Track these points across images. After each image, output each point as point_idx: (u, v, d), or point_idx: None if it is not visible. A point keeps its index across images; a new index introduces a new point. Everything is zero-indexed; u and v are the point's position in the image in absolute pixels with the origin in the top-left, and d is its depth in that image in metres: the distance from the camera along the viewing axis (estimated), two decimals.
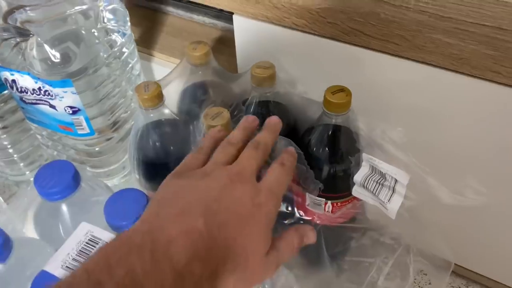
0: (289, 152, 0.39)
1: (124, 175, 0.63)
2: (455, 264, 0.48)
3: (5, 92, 0.61)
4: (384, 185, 0.44)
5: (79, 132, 0.54)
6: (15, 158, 0.68)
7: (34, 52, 0.48)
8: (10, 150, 0.67)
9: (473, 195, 0.39)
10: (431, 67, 0.42)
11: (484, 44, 0.38)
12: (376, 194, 0.44)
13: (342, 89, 0.43)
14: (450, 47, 0.40)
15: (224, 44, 0.66)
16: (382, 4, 0.41)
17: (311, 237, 0.37)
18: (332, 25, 0.45)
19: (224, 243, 0.29)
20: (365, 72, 0.47)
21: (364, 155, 0.45)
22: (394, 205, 0.43)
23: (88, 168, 0.60)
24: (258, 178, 0.35)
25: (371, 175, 0.45)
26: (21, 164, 0.70)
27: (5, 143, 0.66)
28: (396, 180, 0.43)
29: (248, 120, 0.40)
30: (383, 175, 0.44)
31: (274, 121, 0.40)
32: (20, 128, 0.66)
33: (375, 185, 0.44)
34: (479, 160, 0.44)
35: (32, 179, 0.71)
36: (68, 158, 0.62)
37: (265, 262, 0.32)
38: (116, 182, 0.62)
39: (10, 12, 0.50)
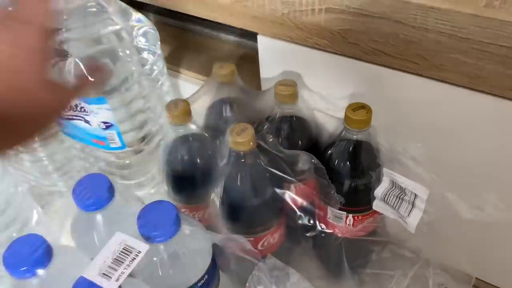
0: None
1: (152, 186, 0.66)
2: (476, 278, 0.48)
3: None
4: (404, 200, 0.45)
5: (111, 145, 0.57)
6: (50, 170, 0.72)
7: (72, 72, 0.52)
8: (46, 162, 0.71)
9: (493, 210, 0.40)
10: (450, 85, 0.44)
11: (502, 64, 0.39)
12: (396, 208, 0.45)
13: (363, 106, 0.45)
14: (468, 66, 0.41)
15: (248, 62, 0.68)
16: (402, 26, 0.42)
17: None
18: (353, 45, 0.47)
19: None
20: (386, 90, 0.48)
21: (385, 170, 0.46)
22: (413, 219, 0.44)
23: (118, 180, 0.63)
24: None
25: (391, 190, 0.46)
26: (55, 175, 0.73)
27: (42, 155, 0.70)
28: (415, 195, 0.45)
29: None
30: (403, 190, 0.45)
31: None
32: (56, 141, 0.70)
33: (395, 200, 0.45)
34: (498, 176, 0.45)
35: (64, 189, 0.75)
36: (99, 170, 0.65)
37: (44, 90, 0.31)
38: (145, 193, 0.65)
39: None
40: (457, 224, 0.43)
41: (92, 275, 0.35)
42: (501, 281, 0.56)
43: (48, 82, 0.32)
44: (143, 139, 0.61)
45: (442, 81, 0.44)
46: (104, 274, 0.35)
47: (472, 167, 0.46)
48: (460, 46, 0.40)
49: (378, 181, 0.47)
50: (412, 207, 0.44)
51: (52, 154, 0.70)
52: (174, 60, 0.71)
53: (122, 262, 0.36)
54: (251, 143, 0.44)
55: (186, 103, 0.48)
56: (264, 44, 0.54)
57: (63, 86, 0.34)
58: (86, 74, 0.37)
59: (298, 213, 0.50)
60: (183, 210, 0.54)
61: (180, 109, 0.47)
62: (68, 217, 0.46)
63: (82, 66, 0.51)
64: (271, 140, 0.47)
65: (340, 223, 0.50)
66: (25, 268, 0.37)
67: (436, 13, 0.40)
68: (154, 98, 0.62)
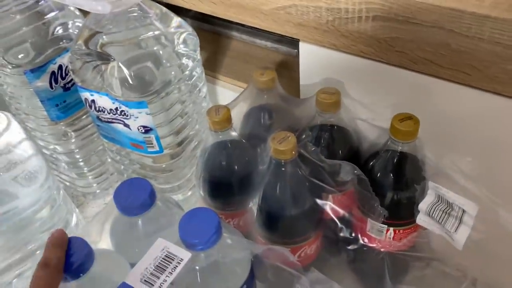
0: (53, 243, 0.37)
1: (185, 192, 0.66)
2: None
3: (82, 109, 0.66)
4: (451, 215, 0.43)
5: (149, 149, 0.57)
6: (85, 171, 0.73)
7: (115, 74, 0.52)
8: (81, 163, 0.72)
9: None
10: (504, 98, 0.42)
11: None
12: (442, 223, 0.43)
13: (410, 117, 0.44)
14: None
15: (285, 68, 0.68)
16: (454, 35, 0.41)
17: None
18: (401, 53, 0.45)
19: None
20: (433, 101, 0.46)
21: (431, 184, 0.44)
22: (461, 236, 0.42)
23: (154, 184, 0.63)
24: None
25: (437, 204, 0.44)
26: (90, 177, 0.74)
27: (77, 156, 0.71)
28: (463, 211, 0.43)
29: (54, 236, 0.38)
30: (450, 205, 0.44)
31: (55, 235, 0.38)
32: (91, 144, 0.71)
33: (441, 214, 0.44)
34: None
35: (98, 191, 0.76)
36: (133, 173, 0.65)
37: None
38: (180, 198, 0.65)
39: (92, 37, 0.54)
40: (509, 242, 0.41)
41: (134, 281, 0.35)
42: None
43: None
44: (180, 143, 0.61)
45: (495, 93, 0.42)
46: (146, 281, 0.35)
47: None
48: None
49: (423, 194, 0.45)
50: (460, 223, 0.43)
51: (88, 156, 0.71)
52: (211, 66, 0.71)
53: (164, 270, 0.36)
54: (293, 152, 0.44)
55: (227, 109, 0.48)
56: (306, 51, 0.53)
57: None
58: None
59: (339, 224, 0.49)
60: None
61: (222, 115, 0.47)
62: (106, 221, 0.46)
63: (124, 70, 0.52)
64: (313, 149, 0.46)
65: (380, 236, 0.49)
66: (66, 271, 0.37)
67: (493, 22, 0.38)
68: (192, 104, 0.61)
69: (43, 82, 0.60)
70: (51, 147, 0.70)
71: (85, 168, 0.73)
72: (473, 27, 0.40)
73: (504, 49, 0.39)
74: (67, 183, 0.77)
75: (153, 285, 0.35)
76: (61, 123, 0.66)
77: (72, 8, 0.63)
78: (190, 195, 0.66)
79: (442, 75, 0.44)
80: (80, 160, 0.71)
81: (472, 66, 0.42)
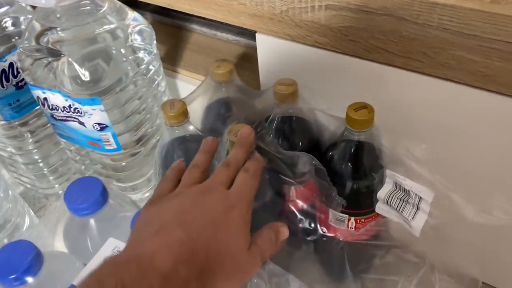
0: (254, 159, 0.41)
1: (149, 189, 0.65)
2: (483, 282, 0.47)
3: (37, 108, 0.64)
4: (408, 202, 0.44)
5: (106, 147, 0.56)
6: (45, 172, 0.71)
7: (65, 71, 0.50)
8: (41, 164, 0.70)
9: (501, 214, 0.38)
10: (455, 84, 0.42)
11: (510, 62, 0.38)
12: (400, 211, 0.44)
13: (365, 106, 0.44)
14: (474, 64, 0.40)
15: (247, 61, 0.67)
16: (405, 22, 0.41)
17: (284, 232, 0.40)
18: (354, 42, 0.45)
19: (205, 245, 0.32)
20: (388, 89, 0.47)
21: (388, 172, 0.45)
22: (418, 222, 0.42)
23: (114, 183, 0.62)
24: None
25: (394, 192, 0.44)
26: (51, 178, 0.72)
27: (36, 157, 0.68)
28: (420, 198, 0.43)
29: (207, 142, 0.43)
30: (407, 192, 0.44)
31: (245, 133, 0.42)
32: (50, 143, 0.68)
33: (399, 202, 0.44)
34: (507, 178, 0.43)
35: (60, 192, 0.74)
36: (94, 173, 0.63)
37: (248, 256, 0.35)
38: (141, 196, 0.64)
39: (42, 33, 0.52)
40: (464, 227, 0.41)
41: None
42: (509, 285, 0.54)
43: (250, 250, 0.36)
44: (139, 140, 0.59)
45: (447, 79, 0.42)
46: None
47: (479, 168, 0.44)
48: (466, 43, 0.39)
49: (381, 183, 0.45)
50: (417, 210, 0.43)
51: (47, 157, 0.69)
52: (171, 60, 0.69)
53: None
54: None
55: (182, 103, 0.47)
56: (263, 42, 0.53)
57: (262, 249, 0.37)
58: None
59: (299, 216, 0.48)
60: None
61: (177, 109, 0.46)
62: (61, 222, 0.45)
63: (75, 66, 0.50)
64: (270, 140, 0.45)
65: (342, 226, 0.49)
66: (14, 276, 0.35)
67: (441, 9, 0.38)
68: (150, 99, 0.60)
69: None
70: (8, 149, 0.68)
71: (45, 169, 0.71)
72: (422, 14, 0.40)
73: (452, 35, 0.39)
74: (28, 185, 0.75)
75: None
76: (16, 123, 0.63)
77: (23, 4, 0.61)
78: (151, 193, 0.65)
79: (395, 63, 0.44)
80: (39, 160, 0.69)
81: (423, 53, 0.42)
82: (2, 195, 0.49)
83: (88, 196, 0.40)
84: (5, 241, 0.47)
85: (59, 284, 0.37)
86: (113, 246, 0.36)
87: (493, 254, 0.50)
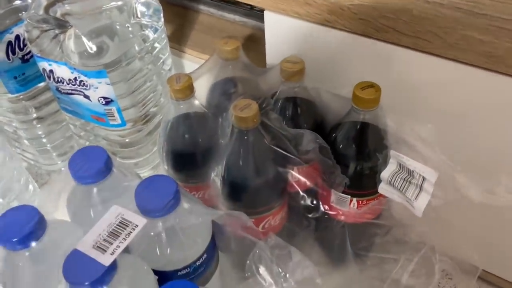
0: None
1: (152, 167, 0.65)
2: (482, 269, 0.47)
3: (41, 84, 0.64)
4: (412, 183, 0.44)
5: (111, 122, 0.56)
6: (48, 148, 0.71)
7: (72, 43, 0.50)
8: (44, 140, 0.70)
9: (506, 193, 0.38)
10: (464, 65, 0.42)
11: None
12: (403, 191, 0.44)
13: (371, 85, 0.43)
14: (484, 45, 0.40)
15: (253, 42, 0.67)
16: (415, 1, 0.41)
17: None
18: (364, 21, 0.45)
19: None
20: (396, 69, 0.46)
21: (392, 152, 0.44)
22: (421, 203, 0.43)
23: (118, 159, 0.62)
24: None
25: (398, 173, 0.44)
26: (54, 154, 0.72)
27: (39, 132, 0.68)
28: (424, 178, 0.43)
29: None
30: (410, 173, 0.44)
31: None
32: (53, 119, 0.68)
33: (402, 183, 0.44)
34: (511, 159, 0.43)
35: (63, 168, 0.74)
36: None
37: None
38: (144, 174, 0.64)
39: (52, 4, 0.52)
40: (467, 209, 0.41)
41: (86, 247, 0.34)
42: (508, 273, 0.54)
43: None
44: (143, 117, 0.59)
45: (455, 60, 0.42)
46: (98, 247, 0.34)
47: (484, 149, 0.44)
48: (477, 22, 0.39)
49: (385, 163, 0.45)
50: (420, 190, 0.43)
51: (50, 132, 0.69)
52: (178, 39, 0.69)
53: (118, 236, 0.35)
54: (255, 120, 0.43)
55: (188, 77, 0.47)
56: (270, 21, 0.53)
57: None
58: None
59: (301, 194, 0.48)
60: None
61: (182, 83, 0.46)
62: (64, 192, 0.45)
63: (83, 39, 0.50)
64: (275, 117, 0.45)
65: (343, 207, 0.49)
66: (17, 239, 0.35)
67: None
68: (156, 76, 0.60)
69: None
70: (13, 123, 0.68)
71: (48, 145, 0.71)
72: None
73: (463, 14, 0.39)
74: (31, 162, 0.75)
75: (105, 251, 0.34)
76: (21, 97, 0.63)
77: None
78: (154, 171, 0.65)
79: (404, 43, 0.44)
80: (43, 136, 0.69)
81: (433, 33, 0.42)
82: (7, 159, 0.49)
83: (93, 164, 0.40)
84: (11, 204, 0.47)
85: (61, 250, 0.37)
86: (117, 213, 0.36)
87: (494, 240, 0.50)
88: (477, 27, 0.39)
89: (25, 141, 0.70)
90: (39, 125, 0.67)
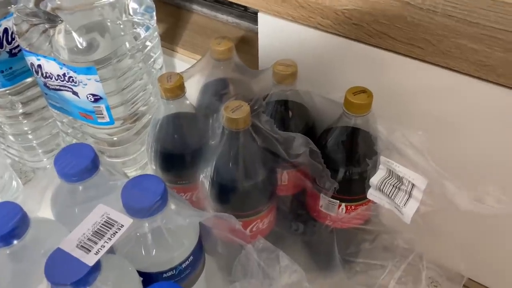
0: None
1: (139, 166, 0.64)
2: (468, 278, 0.47)
3: (28, 79, 0.63)
4: (401, 189, 0.44)
5: (99, 120, 0.55)
6: (34, 144, 0.69)
7: (62, 38, 0.49)
8: (30, 136, 0.68)
9: (494, 202, 0.38)
10: (455, 73, 0.42)
11: (511, 52, 0.38)
12: (392, 198, 0.44)
13: (363, 91, 0.43)
14: (476, 53, 0.40)
15: (246, 44, 0.67)
16: (409, 8, 0.41)
17: None
18: (358, 26, 0.45)
19: None
20: (388, 75, 0.46)
21: (382, 158, 0.44)
22: (409, 209, 0.42)
23: (105, 158, 0.61)
24: None
25: (388, 179, 0.44)
26: (40, 151, 0.71)
27: (26, 128, 0.67)
28: (413, 185, 0.43)
29: None
30: (400, 179, 0.44)
31: None
32: (40, 115, 0.67)
33: (392, 189, 0.44)
34: (501, 168, 0.44)
35: (48, 166, 0.73)
36: None
37: None
38: (131, 173, 0.63)
39: None
40: (455, 217, 0.41)
41: (69, 247, 0.33)
42: (493, 282, 0.55)
43: None
44: (132, 116, 0.58)
45: (447, 68, 0.42)
46: (82, 246, 0.33)
47: (474, 157, 0.44)
48: (469, 31, 0.39)
49: (374, 169, 0.45)
50: (409, 197, 0.43)
51: (37, 128, 0.68)
52: (170, 39, 0.69)
53: (103, 235, 0.34)
54: (246, 121, 0.43)
55: (180, 76, 0.46)
56: (264, 23, 0.52)
57: None
58: None
59: (290, 198, 0.48)
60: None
61: (173, 82, 0.45)
62: (48, 190, 0.44)
63: (73, 34, 0.49)
64: (266, 119, 0.45)
65: (332, 212, 0.49)
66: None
67: None
68: (146, 75, 0.59)
69: None
70: None
71: (34, 142, 0.69)
72: (428, 0, 0.39)
73: (456, 22, 0.39)
74: (16, 158, 0.73)
75: (90, 250, 0.33)
76: (7, 92, 0.62)
77: None
78: (142, 171, 0.64)
79: (397, 49, 0.44)
80: (29, 132, 0.68)
81: (426, 40, 0.42)
82: None
83: (79, 162, 0.39)
84: None
85: (44, 249, 0.37)
86: (102, 212, 0.35)
87: (481, 249, 0.51)
88: (470, 36, 0.39)
89: (10, 137, 0.69)
90: (25, 121, 0.66)
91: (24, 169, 0.74)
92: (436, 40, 0.41)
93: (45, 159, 0.72)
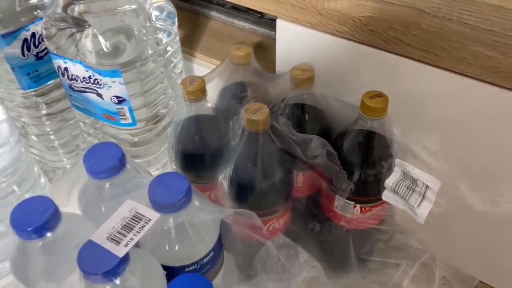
0: None
1: (160, 165, 0.66)
2: (479, 280, 0.48)
3: (53, 81, 0.65)
4: (415, 191, 0.45)
5: (122, 121, 0.57)
6: (56, 145, 0.72)
7: (89, 42, 0.51)
8: (52, 137, 0.70)
9: (507, 203, 0.40)
10: (469, 79, 0.44)
11: None
12: (406, 199, 0.45)
13: (379, 95, 0.45)
14: (490, 60, 0.41)
15: (262, 49, 0.68)
16: (425, 15, 0.42)
17: None
18: (373, 33, 0.46)
19: None
20: (403, 81, 0.48)
21: (397, 161, 0.46)
22: (423, 210, 0.44)
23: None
24: None
25: (402, 180, 0.46)
26: (61, 151, 0.73)
27: (48, 129, 0.69)
28: (427, 186, 0.44)
29: None
30: (414, 181, 0.45)
31: None
32: (63, 116, 0.69)
33: (406, 190, 0.45)
34: None
35: (68, 166, 0.75)
36: None
37: None
38: (153, 172, 0.65)
39: (70, 3, 0.53)
40: (467, 219, 0.43)
41: (100, 239, 0.35)
42: (505, 285, 0.55)
43: None
44: (153, 118, 0.60)
45: (461, 74, 0.44)
46: (112, 239, 0.35)
47: (487, 160, 0.45)
48: (484, 38, 0.40)
49: (389, 171, 0.46)
50: (423, 198, 0.44)
51: (59, 129, 0.70)
52: (188, 44, 0.71)
53: (132, 229, 0.36)
54: (265, 123, 0.44)
55: (202, 80, 0.48)
56: (282, 29, 0.54)
57: None
58: None
59: (306, 198, 0.50)
60: None
61: (196, 85, 0.47)
62: (74, 185, 0.46)
63: (99, 38, 0.51)
64: (284, 122, 0.46)
65: (347, 212, 0.50)
66: (32, 229, 0.36)
67: (461, 3, 0.40)
68: (166, 79, 0.61)
69: (14, 49, 0.59)
70: (22, 119, 0.69)
71: (56, 142, 0.72)
72: (443, 8, 0.41)
73: (471, 30, 0.41)
74: (37, 157, 0.75)
75: (119, 242, 0.35)
76: (32, 93, 0.64)
77: None
78: (162, 171, 0.66)
79: (412, 55, 0.46)
80: (51, 133, 0.70)
81: (441, 47, 0.43)
82: (23, 150, 0.50)
83: (107, 159, 0.41)
84: (25, 195, 0.48)
85: (73, 242, 0.38)
86: (130, 206, 0.37)
87: (493, 251, 0.52)
88: (484, 43, 0.40)
89: (33, 137, 0.71)
90: (48, 122, 0.68)
91: (45, 168, 0.76)
92: (450, 46, 0.43)
93: (65, 159, 0.74)
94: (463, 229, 0.45)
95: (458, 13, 0.40)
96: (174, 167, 0.54)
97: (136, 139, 0.61)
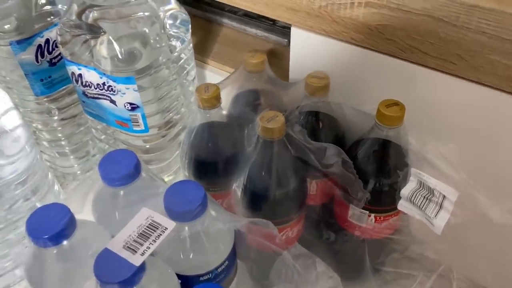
0: None
1: (169, 174, 0.65)
2: None
3: (65, 87, 0.65)
4: (432, 201, 0.44)
5: (135, 128, 0.57)
6: (67, 151, 0.72)
7: (104, 48, 0.52)
8: (63, 143, 0.71)
9: None
10: (487, 88, 0.43)
11: None
12: (422, 209, 0.44)
13: (396, 103, 0.45)
14: (508, 69, 0.41)
15: (274, 56, 0.68)
16: (443, 24, 0.42)
17: None
18: (390, 41, 0.46)
19: None
20: (419, 89, 0.48)
21: (413, 170, 0.45)
22: (440, 221, 0.43)
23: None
24: None
25: (418, 190, 0.45)
26: (71, 157, 0.73)
27: (60, 135, 0.70)
28: (444, 196, 0.44)
29: None
30: (431, 191, 0.45)
31: None
32: (74, 122, 0.70)
33: (422, 200, 0.45)
34: None
35: (79, 172, 0.75)
36: None
37: None
38: (166, 179, 0.65)
39: (84, 10, 0.53)
40: (484, 230, 0.42)
41: (116, 247, 0.35)
42: None
43: None
44: (165, 125, 0.60)
45: (479, 83, 0.43)
46: (129, 247, 0.35)
47: (505, 170, 0.45)
48: (502, 47, 0.40)
49: (405, 181, 0.46)
50: (440, 208, 0.44)
51: (70, 135, 0.70)
52: (200, 51, 0.71)
53: (148, 237, 0.35)
54: (281, 131, 0.44)
55: (216, 87, 0.48)
56: (297, 36, 0.54)
57: None
58: None
59: (319, 208, 0.49)
60: None
61: (211, 92, 0.47)
62: (89, 192, 0.45)
63: (114, 45, 0.51)
64: (299, 130, 0.46)
65: (362, 222, 0.49)
66: (48, 236, 0.36)
67: (480, 12, 0.40)
68: (179, 86, 0.61)
69: (28, 55, 0.59)
70: (34, 124, 0.69)
71: (67, 148, 0.72)
72: (461, 16, 0.41)
73: (489, 39, 0.40)
74: (48, 163, 0.76)
75: (136, 251, 0.34)
76: (45, 99, 0.64)
77: None
78: (174, 177, 0.66)
79: (429, 64, 0.45)
80: (63, 138, 0.70)
81: (458, 55, 0.43)
82: (38, 156, 0.50)
83: (123, 167, 0.41)
84: (38, 204, 0.48)
85: (89, 250, 0.38)
86: (147, 215, 0.37)
87: (509, 263, 0.51)
88: (503, 52, 0.40)
89: (44, 143, 0.71)
90: (60, 128, 0.69)
91: (55, 174, 0.76)
92: (468, 55, 0.42)
93: (76, 165, 0.74)
94: (481, 240, 0.45)
95: (477, 22, 0.40)
96: (187, 174, 0.54)
97: (148, 146, 0.61)
